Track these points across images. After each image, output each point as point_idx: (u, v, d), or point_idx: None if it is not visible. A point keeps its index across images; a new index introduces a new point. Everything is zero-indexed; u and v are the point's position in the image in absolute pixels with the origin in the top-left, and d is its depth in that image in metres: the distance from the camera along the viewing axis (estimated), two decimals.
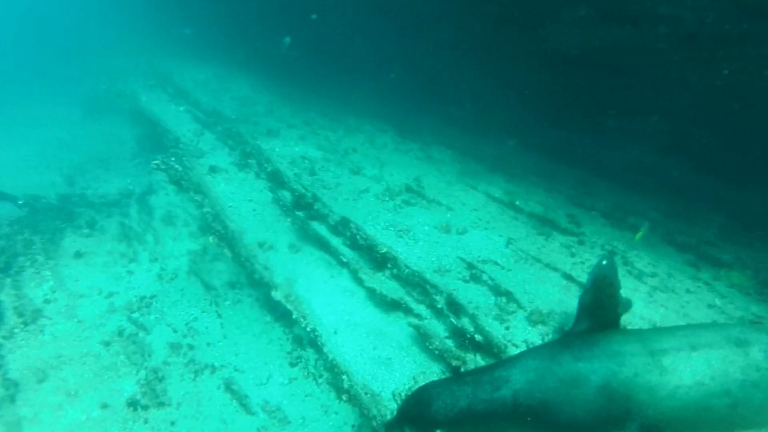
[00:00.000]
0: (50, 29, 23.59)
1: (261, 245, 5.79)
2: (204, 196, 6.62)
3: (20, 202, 8.20)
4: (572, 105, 8.31)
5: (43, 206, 8.24)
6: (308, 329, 4.73)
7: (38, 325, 5.82)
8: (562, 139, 8.80)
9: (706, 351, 3.10)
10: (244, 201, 6.82)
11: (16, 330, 5.74)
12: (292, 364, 5.30)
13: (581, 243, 5.69)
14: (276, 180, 7.10)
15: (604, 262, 3.72)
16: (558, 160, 8.39)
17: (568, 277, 4.98)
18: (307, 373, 5.19)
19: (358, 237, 5.58)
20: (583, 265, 5.18)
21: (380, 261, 5.45)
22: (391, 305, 5.06)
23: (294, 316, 4.85)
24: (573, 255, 5.41)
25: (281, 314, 5.94)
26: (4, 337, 5.64)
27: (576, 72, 7.86)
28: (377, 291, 5.08)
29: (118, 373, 5.29)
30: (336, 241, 5.84)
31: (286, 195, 6.68)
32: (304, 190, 6.49)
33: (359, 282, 5.39)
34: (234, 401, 4.98)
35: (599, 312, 3.53)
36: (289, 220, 6.22)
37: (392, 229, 5.93)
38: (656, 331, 3.59)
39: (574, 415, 3.04)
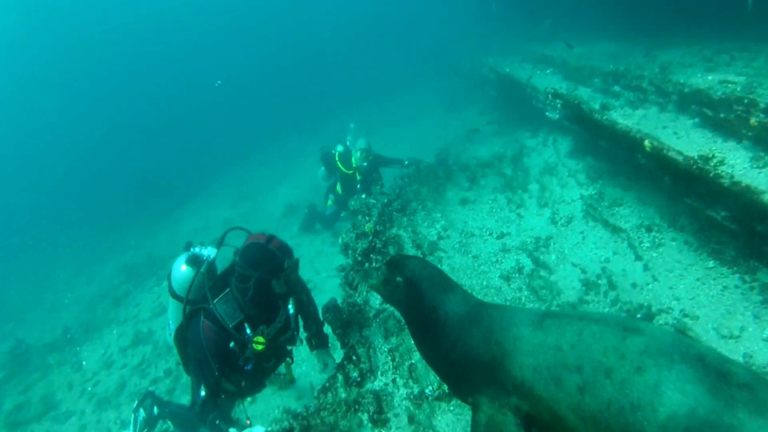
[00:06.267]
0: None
1: None
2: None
3: (406, 163, 8.78)
4: None
5: (426, 166, 8.60)
6: None
7: (436, 257, 5.66)
8: None
9: (587, 323, 2.51)
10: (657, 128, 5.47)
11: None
12: None
13: None
14: (697, 101, 5.51)
15: None
16: None
17: None
18: None
19: None
20: None
21: None
22: None
23: None
24: None
25: (730, 260, 4.36)
26: None
27: None
28: None
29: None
30: None
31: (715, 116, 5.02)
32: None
33: None
34: None
35: None
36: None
37: None
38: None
39: (462, 342, 2.85)
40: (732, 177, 3.73)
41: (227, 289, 3.88)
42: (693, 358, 2.14)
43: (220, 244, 4.03)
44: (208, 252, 4.03)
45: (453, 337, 2.92)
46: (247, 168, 18.82)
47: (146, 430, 5.49)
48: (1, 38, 32.44)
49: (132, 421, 5.44)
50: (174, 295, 4.12)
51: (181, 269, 4.00)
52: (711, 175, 3.84)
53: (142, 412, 5.43)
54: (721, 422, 1.90)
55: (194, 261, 3.99)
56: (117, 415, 7.00)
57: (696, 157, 4.08)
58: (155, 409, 5.43)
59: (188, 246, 4.07)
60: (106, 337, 8.98)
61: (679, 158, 4.19)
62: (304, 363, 6.77)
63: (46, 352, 8.75)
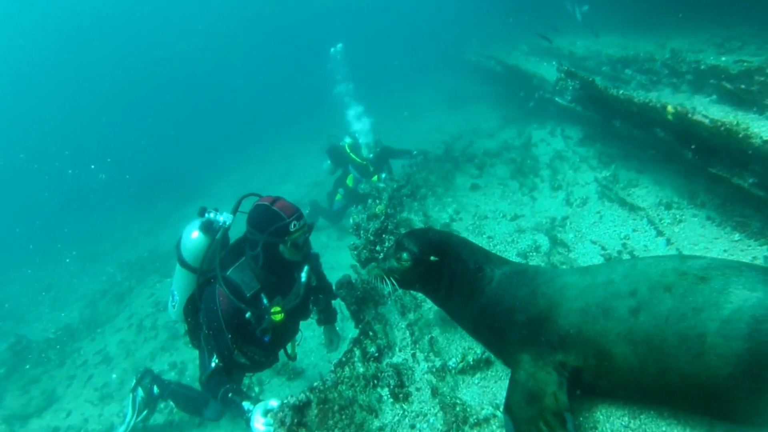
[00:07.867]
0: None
1: None
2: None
3: (414, 153, 8.69)
4: None
5: (433, 156, 8.52)
6: None
7: None
8: None
9: (639, 259, 2.56)
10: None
11: None
12: None
13: None
14: (714, 76, 5.42)
15: None
16: None
17: None
18: None
19: None
20: None
21: None
22: None
23: None
24: None
25: (756, 231, 4.23)
26: None
27: None
28: None
29: None
30: None
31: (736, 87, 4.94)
32: None
33: None
34: None
35: None
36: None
37: None
38: None
39: (510, 296, 2.76)
40: (761, 137, 3.60)
41: (242, 258, 3.74)
42: (761, 268, 2.13)
43: (235, 210, 3.84)
44: (224, 218, 3.84)
45: (499, 293, 2.83)
46: (252, 170, 18.74)
47: (146, 412, 5.20)
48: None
49: (130, 402, 5.14)
50: (184, 264, 3.91)
51: (193, 236, 3.80)
52: (740, 135, 3.71)
53: (140, 392, 5.16)
54: None
55: (208, 228, 3.82)
56: (119, 408, 6.84)
57: (723, 120, 3.95)
58: (155, 389, 5.17)
59: (202, 211, 3.86)
60: (109, 331, 8.82)
61: (705, 121, 4.05)
62: (313, 353, 6.63)
63: (47, 347, 8.58)
